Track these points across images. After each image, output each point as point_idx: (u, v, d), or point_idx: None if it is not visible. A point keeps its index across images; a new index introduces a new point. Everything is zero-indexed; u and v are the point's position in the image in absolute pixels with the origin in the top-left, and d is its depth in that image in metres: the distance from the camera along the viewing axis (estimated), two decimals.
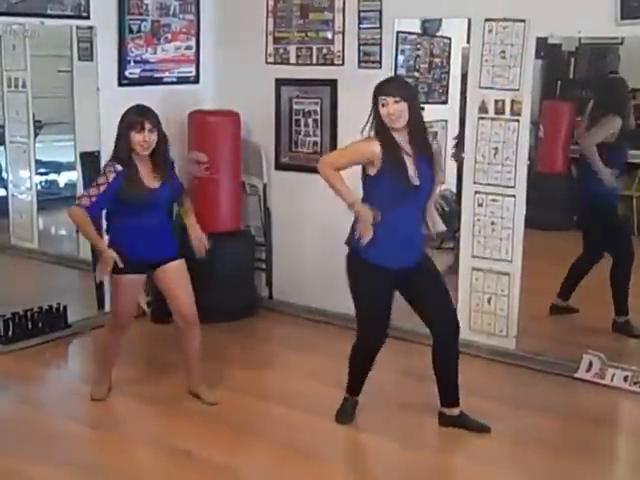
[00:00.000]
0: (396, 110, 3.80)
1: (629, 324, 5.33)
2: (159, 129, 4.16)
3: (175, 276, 4.30)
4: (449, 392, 4.12)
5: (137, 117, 4.11)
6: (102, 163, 5.28)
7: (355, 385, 4.23)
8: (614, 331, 5.33)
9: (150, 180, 4.16)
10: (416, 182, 3.85)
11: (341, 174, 3.93)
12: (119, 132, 4.15)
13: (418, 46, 6.16)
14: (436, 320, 4.03)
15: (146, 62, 5.59)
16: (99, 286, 5.54)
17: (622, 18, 4.44)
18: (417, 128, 3.88)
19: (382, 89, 3.87)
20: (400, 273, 3.92)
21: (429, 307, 4.04)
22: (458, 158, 5.61)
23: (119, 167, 4.08)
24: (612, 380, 4.65)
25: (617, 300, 5.33)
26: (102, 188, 4.06)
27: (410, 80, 6.16)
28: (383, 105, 3.82)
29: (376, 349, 4.11)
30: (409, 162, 3.85)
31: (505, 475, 3.79)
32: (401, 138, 3.87)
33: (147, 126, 4.08)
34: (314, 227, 5.73)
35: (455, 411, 4.13)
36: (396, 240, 3.87)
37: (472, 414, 4.20)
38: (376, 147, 3.83)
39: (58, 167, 6.95)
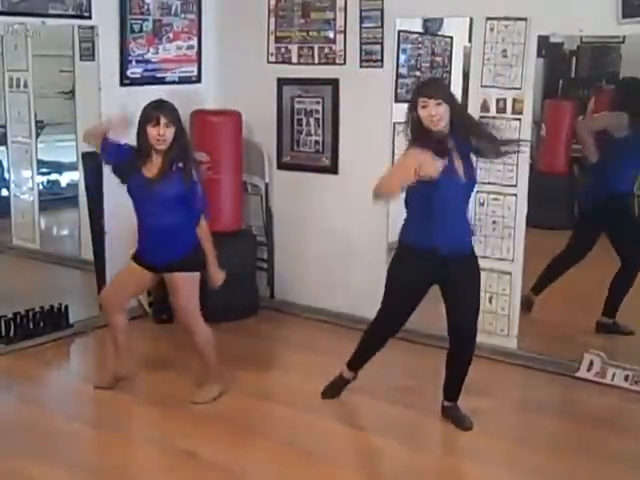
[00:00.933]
0: (438, 112, 3.79)
1: (617, 324, 5.32)
2: (177, 125, 4.16)
3: (180, 288, 4.28)
4: (446, 387, 4.19)
5: (153, 111, 4.14)
6: (103, 163, 5.32)
7: (357, 360, 4.33)
8: (598, 332, 5.29)
9: (153, 172, 4.17)
10: (464, 179, 3.89)
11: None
12: (138, 126, 4.18)
13: (419, 45, 6.15)
14: (455, 326, 4.05)
15: (148, 62, 5.59)
16: (101, 286, 5.55)
17: (624, 17, 4.44)
18: (461, 130, 3.87)
19: (423, 91, 3.86)
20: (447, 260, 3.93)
21: (456, 311, 4.06)
22: None
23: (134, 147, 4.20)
24: (613, 379, 4.65)
25: (611, 302, 5.31)
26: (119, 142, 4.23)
27: (411, 79, 6.16)
28: (423, 107, 3.80)
29: (390, 335, 4.22)
30: (456, 160, 3.86)
31: (507, 474, 3.79)
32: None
33: (162, 121, 4.10)
34: (316, 227, 5.73)
35: (450, 403, 4.19)
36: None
37: (473, 413, 4.22)
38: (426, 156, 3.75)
39: (60, 167, 6.96)
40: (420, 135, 3.82)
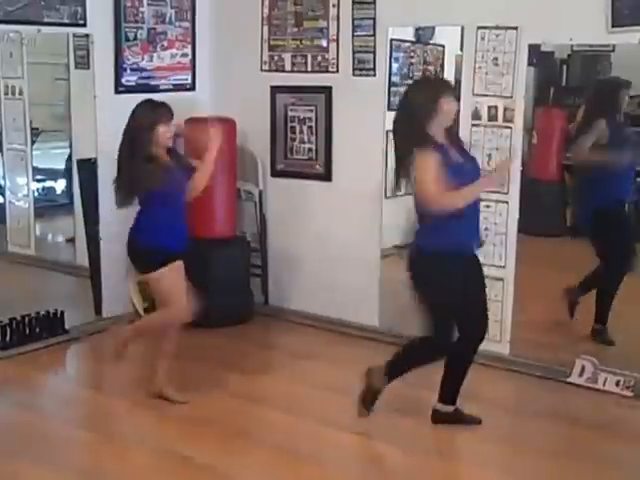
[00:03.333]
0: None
1: (606, 331, 5.30)
2: None
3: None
4: (450, 390, 4.17)
5: (160, 109, 4.29)
6: (99, 170, 5.36)
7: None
8: (594, 339, 5.28)
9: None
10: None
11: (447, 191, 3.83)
12: (139, 132, 4.21)
13: (412, 54, 6.20)
14: (467, 328, 4.08)
15: (142, 70, 5.63)
16: (97, 292, 5.58)
17: (613, 26, 4.49)
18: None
19: (445, 90, 3.95)
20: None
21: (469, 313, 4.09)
22: None
23: None
24: (604, 385, 4.68)
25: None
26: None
27: (404, 88, 6.20)
28: (448, 104, 3.90)
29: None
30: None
31: (499, 478, 3.81)
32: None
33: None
34: (309, 233, 5.76)
35: (450, 408, 4.18)
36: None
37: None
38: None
39: (55, 174, 6.98)
40: (429, 139, 3.86)
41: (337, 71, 5.53)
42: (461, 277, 3.93)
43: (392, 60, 5.75)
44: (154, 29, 5.67)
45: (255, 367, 5.14)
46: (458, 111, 4.08)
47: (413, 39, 6.21)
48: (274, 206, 5.95)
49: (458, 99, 4.11)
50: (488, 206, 4.99)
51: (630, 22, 4.43)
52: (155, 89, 5.71)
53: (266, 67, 5.84)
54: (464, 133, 5.03)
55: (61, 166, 6.71)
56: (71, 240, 6.55)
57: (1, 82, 6.55)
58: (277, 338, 5.67)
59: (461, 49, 5.21)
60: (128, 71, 5.54)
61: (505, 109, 4.91)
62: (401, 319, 5.35)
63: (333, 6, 5.47)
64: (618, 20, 4.47)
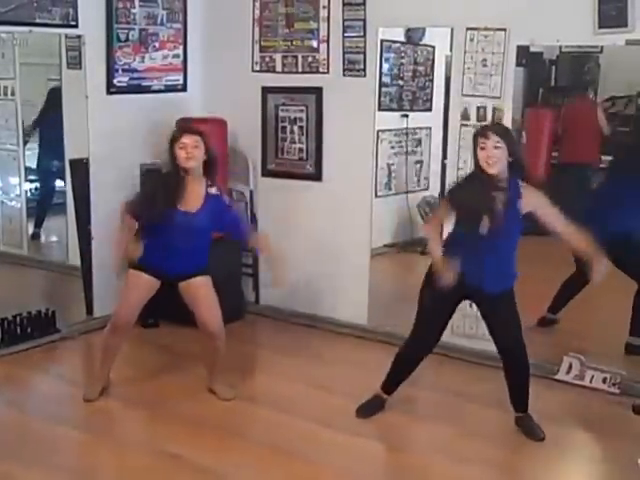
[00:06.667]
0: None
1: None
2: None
3: (199, 291, 4.40)
4: (515, 399, 4.27)
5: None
6: (91, 170, 5.38)
7: (389, 384, 4.38)
8: (628, 354, 5.15)
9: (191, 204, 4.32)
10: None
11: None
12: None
13: (402, 54, 6.25)
14: (500, 348, 4.23)
15: (134, 70, 5.65)
16: (88, 291, 5.60)
17: (600, 27, 4.54)
18: None
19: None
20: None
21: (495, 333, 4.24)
22: None
23: None
24: (591, 382, 4.74)
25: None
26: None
27: (394, 88, 6.26)
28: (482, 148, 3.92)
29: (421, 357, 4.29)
30: None
31: (488, 476, 3.86)
32: None
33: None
34: (300, 232, 5.79)
35: (520, 414, 4.25)
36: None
37: (455, 415, 4.30)
38: None
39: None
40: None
41: (328, 72, 5.56)
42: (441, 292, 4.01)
43: (382, 61, 5.80)
44: (146, 30, 5.69)
45: (246, 366, 5.17)
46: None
47: (403, 40, 6.26)
48: (265, 206, 5.98)
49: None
50: None
51: (616, 23, 4.48)
52: (147, 90, 5.74)
53: (257, 68, 5.87)
54: (453, 133, 5.11)
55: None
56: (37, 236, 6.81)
57: None
58: (268, 337, 5.70)
59: (451, 50, 5.25)
60: (120, 72, 5.56)
61: (494, 109, 4.96)
62: (390, 318, 5.41)
63: (323, 7, 5.50)
64: (605, 22, 4.51)
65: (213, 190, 4.36)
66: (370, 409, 4.37)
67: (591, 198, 5.55)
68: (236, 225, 4.53)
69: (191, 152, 4.23)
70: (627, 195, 4.98)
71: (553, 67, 7.07)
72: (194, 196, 4.30)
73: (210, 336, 4.44)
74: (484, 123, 4.96)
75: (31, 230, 6.83)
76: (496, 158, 3.85)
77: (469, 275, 3.99)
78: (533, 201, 3.93)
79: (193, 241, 4.33)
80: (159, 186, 4.37)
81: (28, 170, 6.74)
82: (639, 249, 5.07)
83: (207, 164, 4.32)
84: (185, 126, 4.35)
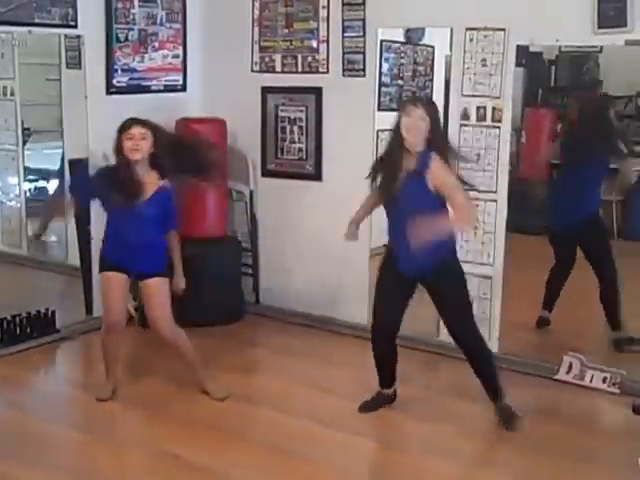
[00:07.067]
0: None
1: (632, 339, 5.23)
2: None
3: (152, 293, 4.40)
4: (484, 388, 4.30)
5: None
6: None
7: (380, 377, 4.42)
8: (619, 351, 5.20)
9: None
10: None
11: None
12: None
13: (402, 54, 6.24)
14: (451, 334, 4.25)
15: (133, 70, 5.65)
16: (88, 291, 5.60)
17: (599, 27, 4.54)
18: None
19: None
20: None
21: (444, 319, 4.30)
22: None
23: None
24: (591, 381, 4.74)
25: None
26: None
27: (394, 88, 6.26)
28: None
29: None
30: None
31: (487, 475, 3.86)
32: None
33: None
34: (300, 233, 5.80)
35: (495, 403, 4.29)
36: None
37: (454, 415, 4.30)
38: None
39: (47, 174, 6.99)
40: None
41: (327, 72, 5.57)
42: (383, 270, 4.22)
43: (382, 61, 5.79)
44: (145, 30, 5.69)
45: (246, 366, 5.17)
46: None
47: (403, 40, 6.25)
48: (265, 206, 5.98)
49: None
50: (477, 205, 5.04)
51: (616, 24, 4.48)
52: (146, 90, 5.74)
53: (257, 68, 5.87)
54: (453, 133, 5.11)
55: (52, 166, 6.71)
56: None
57: None
58: (268, 337, 5.70)
59: (450, 50, 5.24)
60: (119, 72, 5.56)
61: (493, 109, 4.96)
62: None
63: (323, 7, 5.51)
64: (604, 22, 4.51)
65: (162, 182, 4.32)
66: (372, 405, 4.40)
67: (555, 186, 5.77)
68: (171, 216, 4.45)
69: (138, 144, 4.23)
70: (587, 181, 5.28)
71: (553, 67, 7.06)
72: (143, 188, 4.29)
73: (162, 339, 4.45)
74: (483, 123, 4.99)
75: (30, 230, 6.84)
76: (418, 129, 3.95)
77: (397, 250, 4.11)
78: (439, 173, 3.98)
79: (144, 234, 4.31)
80: (111, 184, 4.28)
81: (27, 170, 6.74)
82: (601, 233, 5.43)
83: (154, 156, 4.29)
84: (136, 118, 4.34)
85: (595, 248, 5.36)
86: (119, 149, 4.26)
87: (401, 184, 4.02)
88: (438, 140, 4.03)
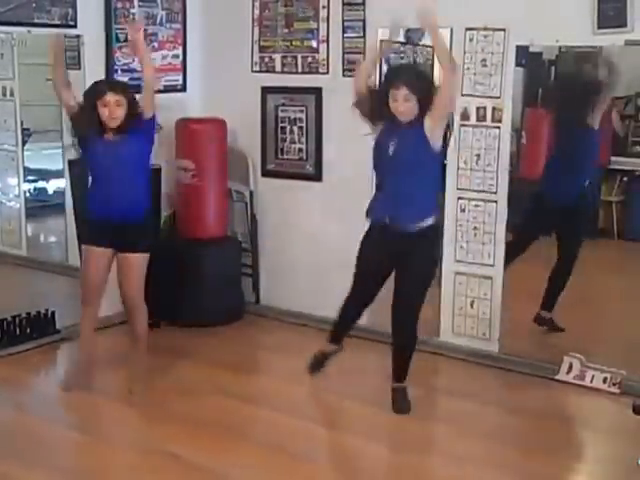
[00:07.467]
0: None
1: (553, 321, 5.51)
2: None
3: (132, 264, 4.45)
4: (393, 366, 4.39)
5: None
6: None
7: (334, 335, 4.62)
8: (539, 325, 5.52)
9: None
10: None
11: None
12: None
13: (402, 55, 6.23)
14: (392, 303, 4.32)
15: (133, 71, 5.63)
16: None
17: (599, 27, 4.54)
18: None
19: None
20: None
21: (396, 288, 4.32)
22: None
23: None
24: (592, 381, 4.74)
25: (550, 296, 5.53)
26: None
27: None
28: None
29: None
30: None
31: (486, 475, 3.85)
32: None
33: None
34: (300, 233, 5.80)
35: (395, 384, 4.38)
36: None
37: (454, 415, 4.30)
38: None
39: (46, 175, 6.99)
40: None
41: (327, 72, 5.57)
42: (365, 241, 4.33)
43: (382, 61, 5.77)
44: (145, 30, 5.66)
45: (246, 366, 5.17)
46: None
47: (403, 40, 6.25)
48: (265, 206, 5.97)
49: None
50: (477, 205, 5.05)
51: (616, 24, 4.48)
52: None
53: (257, 68, 5.87)
54: (452, 133, 5.10)
55: (52, 166, 6.72)
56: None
57: None
58: (268, 337, 5.70)
59: (450, 50, 5.23)
60: (119, 72, 5.56)
61: (493, 109, 4.96)
62: (390, 318, 5.39)
63: (323, 7, 5.51)
64: (604, 22, 4.51)
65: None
66: (318, 364, 4.58)
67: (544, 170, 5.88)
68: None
69: (114, 111, 4.28)
70: (575, 164, 5.46)
71: (553, 67, 7.06)
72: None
73: (129, 309, 4.51)
74: (483, 123, 4.98)
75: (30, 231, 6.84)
76: (406, 109, 4.10)
77: (383, 209, 4.22)
78: (431, 114, 4.09)
79: (124, 172, 4.35)
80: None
81: (27, 170, 6.74)
82: (584, 212, 5.63)
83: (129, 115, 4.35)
84: (110, 82, 4.44)
85: (573, 225, 5.48)
86: (94, 114, 4.30)
87: (396, 136, 4.13)
88: (429, 106, 4.12)
